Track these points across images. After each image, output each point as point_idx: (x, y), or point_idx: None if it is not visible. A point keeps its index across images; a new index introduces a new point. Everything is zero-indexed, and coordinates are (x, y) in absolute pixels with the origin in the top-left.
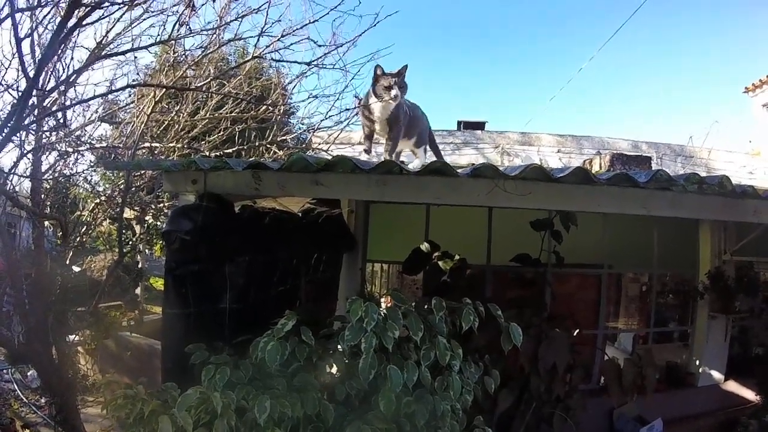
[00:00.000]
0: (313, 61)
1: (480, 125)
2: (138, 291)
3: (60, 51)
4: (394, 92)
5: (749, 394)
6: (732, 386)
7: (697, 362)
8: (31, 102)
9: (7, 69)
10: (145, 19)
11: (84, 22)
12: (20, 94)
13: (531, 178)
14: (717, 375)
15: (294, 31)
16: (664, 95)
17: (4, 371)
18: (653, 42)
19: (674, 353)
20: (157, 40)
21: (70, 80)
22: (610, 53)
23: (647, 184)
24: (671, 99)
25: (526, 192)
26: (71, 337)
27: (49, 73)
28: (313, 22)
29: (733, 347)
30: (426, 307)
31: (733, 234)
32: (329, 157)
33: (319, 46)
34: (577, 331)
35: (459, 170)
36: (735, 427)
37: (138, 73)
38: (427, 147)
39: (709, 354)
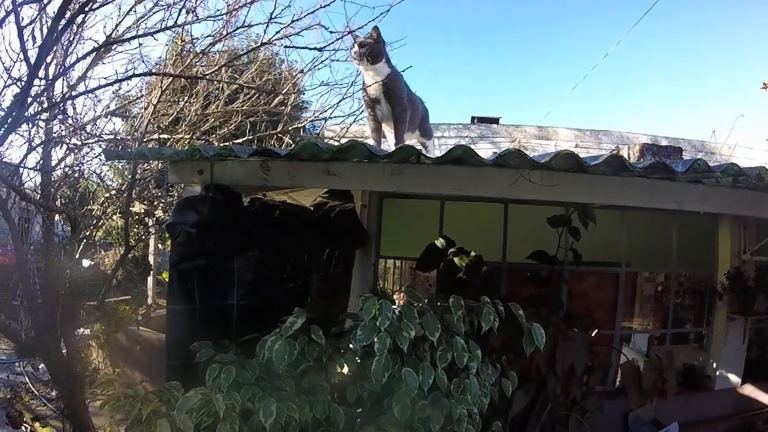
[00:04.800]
0: (326, 47)
1: (494, 121)
2: (149, 285)
3: (68, 44)
4: (356, 61)
5: (766, 399)
6: (749, 390)
7: (714, 365)
8: (35, 92)
9: (14, 63)
10: (155, 13)
11: (89, 7)
12: (23, 83)
13: (559, 168)
14: (734, 378)
15: (304, 16)
16: (684, 89)
17: (16, 364)
18: (675, 34)
19: (690, 355)
20: (164, 26)
21: (75, 68)
22: (627, 48)
23: (685, 175)
24: (692, 93)
25: (552, 183)
26: (82, 330)
27: (58, 66)
28: (324, 6)
29: (751, 350)
30: (441, 305)
31: (753, 233)
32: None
33: (331, 32)
34: (596, 331)
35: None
36: None
37: (149, 68)
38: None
39: (727, 356)
